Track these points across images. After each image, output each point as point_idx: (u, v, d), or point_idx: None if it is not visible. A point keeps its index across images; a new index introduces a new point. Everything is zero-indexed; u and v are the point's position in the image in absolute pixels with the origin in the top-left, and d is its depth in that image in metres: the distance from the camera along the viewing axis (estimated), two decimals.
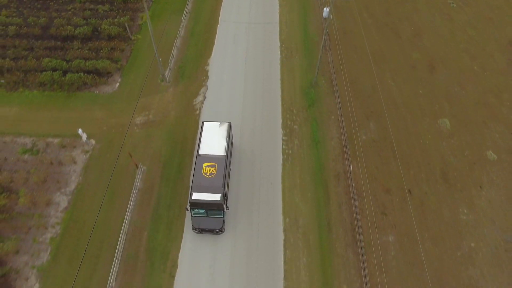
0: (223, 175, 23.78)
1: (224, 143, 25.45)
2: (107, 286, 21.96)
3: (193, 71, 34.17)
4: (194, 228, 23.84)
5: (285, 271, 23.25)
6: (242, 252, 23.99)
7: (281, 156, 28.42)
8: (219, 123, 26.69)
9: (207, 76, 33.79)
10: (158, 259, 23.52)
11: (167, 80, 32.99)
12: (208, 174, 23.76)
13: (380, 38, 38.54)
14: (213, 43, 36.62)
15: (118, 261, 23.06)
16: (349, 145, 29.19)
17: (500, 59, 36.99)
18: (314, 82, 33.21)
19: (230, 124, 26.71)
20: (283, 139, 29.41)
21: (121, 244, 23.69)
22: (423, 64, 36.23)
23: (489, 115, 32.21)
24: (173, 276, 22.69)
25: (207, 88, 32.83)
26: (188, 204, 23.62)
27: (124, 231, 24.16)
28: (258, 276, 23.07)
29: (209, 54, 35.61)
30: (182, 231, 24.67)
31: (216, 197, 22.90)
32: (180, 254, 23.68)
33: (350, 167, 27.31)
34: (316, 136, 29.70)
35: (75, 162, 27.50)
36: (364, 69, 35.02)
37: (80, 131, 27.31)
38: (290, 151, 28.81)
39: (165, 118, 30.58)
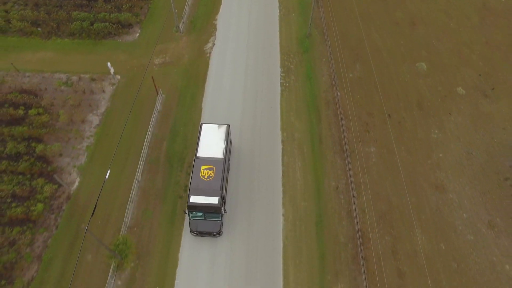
0: (221, 178, 23.61)
1: (222, 145, 25.23)
2: (135, 180, 26.39)
3: (203, 25, 38.74)
4: (191, 231, 23.76)
5: (283, 171, 27.70)
6: (246, 170, 28.41)
7: (279, 88, 32.88)
8: (217, 125, 26.42)
9: (215, 29, 38.33)
10: (176, 162, 27.96)
11: (181, 31, 37.57)
12: (206, 177, 23.58)
13: (367, 1, 43.03)
14: (220, 3, 41.12)
15: (143, 162, 27.52)
16: (337, 80, 33.64)
17: (474, 18, 41.40)
18: (308, 34, 37.69)
19: (228, 127, 26.53)
20: (281, 75, 33.89)
21: (145, 151, 28.09)
22: (406, 22, 40.70)
23: (461, 61, 36.59)
24: (189, 174, 27.16)
25: (215, 38, 37.35)
26: (186, 207, 23.66)
27: (147, 141, 28.58)
28: (261, 177, 27.48)
29: (217, 11, 40.16)
30: (196, 148, 29.15)
31: (214, 200, 22.76)
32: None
33: (338, 94, 31.76)
34: (310, 74, 34.15)
35: (104, 91, 31.98)
36: (352, 25, 39.48)
37: (108, 64, 31.82)
38: (287, 84, 33.29)
39: (179, 60, 35.11)
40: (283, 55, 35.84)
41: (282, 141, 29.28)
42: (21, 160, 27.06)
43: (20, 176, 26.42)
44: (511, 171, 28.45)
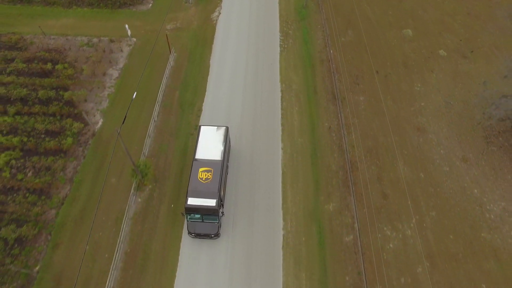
0: (219, 180, 23.58)
1: (220, 147, 25.21)
2: (151, 120, 29.79)
3: None
4: (189, 233, 23.76)
5: (282, 114, 31.11)
6: (250, 112, 31.79)
7: (279, 49, 36.37)
8: (216, 127, 26.51)
9: (221, 1, 41.95)
10: (187, 107, 31.41)
11: (189, 2, 41.19)
12: (204, 179, 23.55)
13: None
14: None
15: (158, 105, 30.94)
16: (331, 43, 37.09)
17: None
18: (305, 5, 41.26)
19: (227, 129, 26.61)
20: (280, 39, 37.38)
21: (160, 97, 31.50)
22: None
23: (444, 29, 40.05)
24: (199, 116, 30.56)
25: (221, 8, 40.93)
26: (184, 209, 23.53)
27: (161, 90, 32.00)
28: (262, 119, 30.86)
29: None
30: (205, 91, 32.62)
31: (212, 202, 22.73)
32: (203, 104, 31.74)
33: (331, 52, 35.25)
34: (306, 38, 37.64)
35: (122, 51, 35.44)
36: None
37: (126, 26, 35.34)
38: (285, 46, 36.78)
39: (189, 26, 38.64)
40: (282, 22, 39.35)
41: (281, 91, 32.73)
42: (51, 105, 30.51)
43: (51, 118, 29.83)
44: (484, 117, 31.83)
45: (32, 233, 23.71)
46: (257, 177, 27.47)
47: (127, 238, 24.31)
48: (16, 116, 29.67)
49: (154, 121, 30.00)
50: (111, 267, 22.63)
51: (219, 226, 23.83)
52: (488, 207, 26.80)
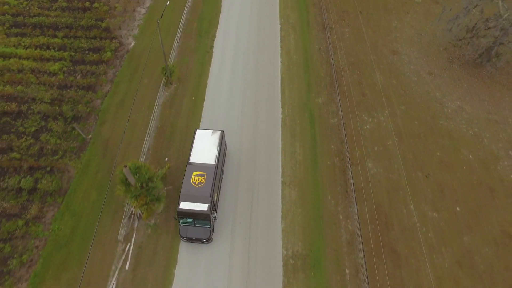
0: (212, 185, 23.22)
1: (215, 151, 24.94)
2: (174, 42, 35.97)
3: None
4: (181, 237, 23.41)
5: (280, 40, 37.33)
6: (253, 42, 37.92)
7: (278, 5, 42.54)
8: (211, 131, 26.15)
9: None
10: (204, 34, 37.62)
11: None
12: (197, 183, 23.24)
13: None
14: None
15: (180, 32, 37.16)
16: None
17: None
18: None
19: (222, 133, 26.27)
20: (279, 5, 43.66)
21: (181, 26, 37.72)
22: None
23: None
24: (213, 40, 36.79)
25: None
26: (176, 213, 23.36)
27: (182, 22, 38.24)
28: (265, 41, 36.98)
29: None
30: (218, 23, 38.83)
31: (204, 207, 22.41)
32: (217, 32, 37.97)
33: None
34: None
35: None
36: None
37: None
38: (284, 5, 43.13)
39: None
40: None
41: (280, 24, 38.91)
42: (92, 31, 36.72)
43: (93, 40, 36.02)
44: (449, 45, 37.92)
45: (85, 111, 29.80)
46: (261, 81, 33.52)
47: (157, 118, 30.36)
48: (64, 39, 35.90)
49: (177, 42, 36.21)
50: (146, 135, 28.63)
51: (211, 231, 23.43)
52: (446, 105, 32.79)
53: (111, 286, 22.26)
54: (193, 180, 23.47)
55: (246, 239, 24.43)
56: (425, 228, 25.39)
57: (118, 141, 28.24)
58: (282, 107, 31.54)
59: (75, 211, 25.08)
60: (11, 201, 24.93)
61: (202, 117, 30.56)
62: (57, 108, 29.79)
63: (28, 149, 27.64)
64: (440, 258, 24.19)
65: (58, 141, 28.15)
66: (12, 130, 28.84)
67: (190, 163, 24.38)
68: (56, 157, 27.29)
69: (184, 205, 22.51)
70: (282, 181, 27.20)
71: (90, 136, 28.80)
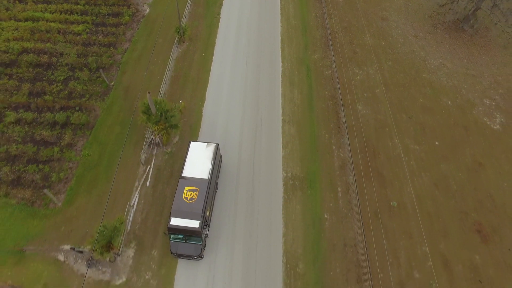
0: (204, 201, 22.52)
1: (209, 165, 24.13)
2: (185, 10, 39.52)
3: None
4: (172, 253, 22.70)
5: (280, 8, 40.87)
6: (255, 13, 41.48)
7: None
8: (206, 143, 25.38)
9: None
10: (212, 3, 41.12)
11: None
12: (188, 198, 22.55)
13: None
14: None
15: (190, 1, 40.73)
16: None
17: None
18: None
19: (217, 146, 25.39)
20: None
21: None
22: None
23: None
24: (220, 8, 40.37)
25: None
26: (166, 229, 22.67)
27: None
28: (266, 10, 40.53)
29: None
30: None
31: (195, 224, 21.80)
32: (223, 1, 41.56)
33: None
34: None
35: None
36: None
37: None
38: None
39: None
40: None
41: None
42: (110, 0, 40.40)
43: (111, 7, 39.56)
44: (434, 13, 41.43)
45: (108, 63, 33.31)
46: (263, 42, 36.94)
47: (172, 69, 33.84)
48: (86, 5, 39.45)
49: (188, 9, 39.77)
50: (162, 83, 32.07)
51: (203, 248, 22.70)
52: (429, 62, 36.25)
53: (134, 198, 25.66)
54: (185, 196, 22.73)
55: (250, 165, 27.85)
56: (408, 157, 28.78)
57: (138, 87, 31.71)
58: (282, 62, 35.03)
59: (102, 141, 28.52)
60: (48, 132, 28.38)
61: (211, 69, 34.06)
62: (83, 60, 33.27)
63: (59, 93, 31.09)
64: (420, 181, 27.57)
65: (85, 87, 31.60)
66: (44, 78, 32.30)
67: (183, 177, 23.54)
68: (84, 99, 30.74)
69: (175, 221, 21.87)
70: (282, 119, 30.64)
71: (112, 83, 32.28)
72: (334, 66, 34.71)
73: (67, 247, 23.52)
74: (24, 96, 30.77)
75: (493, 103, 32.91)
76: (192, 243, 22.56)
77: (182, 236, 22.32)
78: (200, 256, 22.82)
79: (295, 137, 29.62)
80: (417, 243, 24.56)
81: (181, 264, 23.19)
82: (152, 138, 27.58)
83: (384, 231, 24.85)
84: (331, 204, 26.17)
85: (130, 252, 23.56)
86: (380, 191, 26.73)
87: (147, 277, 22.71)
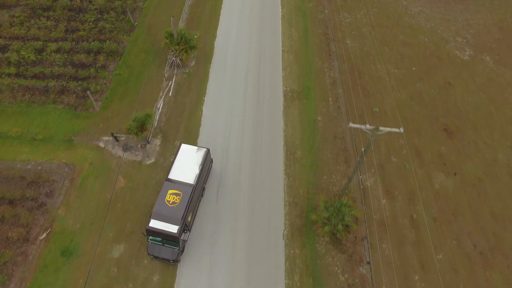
0: (186, 206, 22.04)
1: (196, 171, 23.56)
2: None
3: None
4: (148, 254, 22.41)
5: None
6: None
7: None
8: (196, 147, 24.92)
9: None
10: None
11: None
12: (171, 202, 22.10)
13: None
14: None
15: None
16: None
17: None
18: None
19: (207, 151, 24.94)
20: None
21: None
22: None
23: None
24: None
25: None
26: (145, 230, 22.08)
27: None
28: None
29: None
30: None
31: (173, 229, 21.37)
32: None
33: None
34: None
35: None
36: None
37: None
38: None
39: None
40: None
41: None
42: None
43: None
44: None
45: (132, 7, 38.33)
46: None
47: (187, 13, 38.78)
48: None
49: None
50: (179, 22, 36.97)
51: (180, 253, 22.23)
52: (410, 9, 41.13)
53: (160, 103, 30.55)
54: (167, 199, 22.29)
55: (256, 82, 32.76)
56: (388, 78, 33.66)
57: (159, 26, 36.59)
58: (281, 8, 39.96)
59: (130, 64, 33.44)
60: (84, 57, 33.32)
61: (221, 13, 39.01)
62: (110, 4, 38.30)
63: (91, 31, 35.99)
64: (399, 95, 32.44)
65: (113, 26, 36.52)
66: (77, 19, 37.26)
67: (169, 179, 23.18)
68: (113, 34, 35.69)
69: (154, 224, 21.56)
70: (282, 50, 35.55)
71: (136, 23, 37.23)
72: (327, 11, 39.67)
73: (106, 138, 28.43)
74: (61, 32, 35.71)
75: (464, 40, 37.84)
76: (170, 247, 22.11)
77: (160, 239, 21.93)
78: (177, 261, 22.29)
79: (293, 62, 34.56)
80: (395, 138, 29.41)
81: None
82: (173, 60, 32.51)
83: None
84: (323, 110, 31.08)
85: (157, 142, 28.48)
86: (365, 100, 31.59)
87: (171, 159, 27.57)
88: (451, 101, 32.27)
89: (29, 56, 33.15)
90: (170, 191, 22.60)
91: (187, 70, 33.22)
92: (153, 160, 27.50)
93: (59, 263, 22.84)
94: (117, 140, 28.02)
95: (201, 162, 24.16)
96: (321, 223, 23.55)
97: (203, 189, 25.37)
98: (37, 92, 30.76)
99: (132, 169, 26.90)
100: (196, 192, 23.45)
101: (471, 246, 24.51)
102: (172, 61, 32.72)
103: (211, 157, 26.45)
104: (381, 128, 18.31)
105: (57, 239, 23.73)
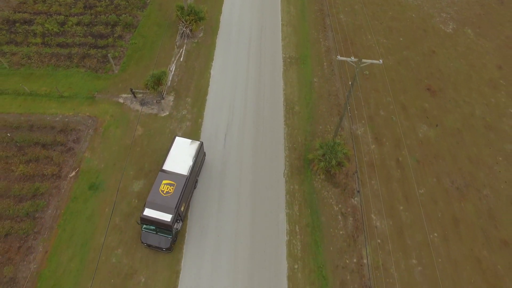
0: (179, 196, 22.74)
1: (190, 162, 24.30)
2: None
3: None
4: (142, 242, 23.00)
5: None
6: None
7: None
8: (190, 140, 25.52)
9: None
10: None
11: None
12: (165, 192, 22.80)
13: None
14: None
15: None
16: None
17: None
18: None
19: (201, 144, 25.62)
20: None
21: None
22: None
23: None
24: None
25: None
26: (139, 219, 22.71)
27: None
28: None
29: None
30: None
31: (167, 217, 21.99)
32: None
33: None
34: None
35: None
36: None
37: None
38: None
39: None
40: None
41: None
42: None
43: None
44: None
45: None
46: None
47: None
48: None
49: None
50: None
51: (173, 241, 22.98)
52: None
53: (172, 66, 33.84)
54: (161, 189, 23.00)
55: (258, 49, 36.09)
56: (378, 47, 37.03)
57: (169, 4, 39.99)
58: None
59: (144, 35, 36.77)
60: (102, 28, 36.67)
61: None
62: None
63: (107, 7, 39.40)
64: (387, 60, 35.73)
65: (127, 3, 39.93)
66: None
67: (163, 170, 23.87)
68: (127, 9, 39.09)
69: (148, 212, 22.19)
70: (281, 23, 38.97)
71: (149, 0, 40.70)
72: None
73: (124, 95, 31.70)
74: (80, 8, 39.07)
75: (448, 16, 41.27)
76: (163, 236, 22.77)
77: (153, 228, 22.57)
78: (169, 249, 22.93)
79: (291, 34, 37.94)
80: (383, 95, 32.71)
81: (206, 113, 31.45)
82: (183, 30, 35.88)
83: (359, 87, 33.00)
84: (319, 73, 34.41)
85: (171, 98, 31.75)
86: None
87: (183, 112, 30.85)
88: (434, 66, 35.60)
89: (52, 28, 36.48)
90: (164, 181, 23.32)
91: (196, 40, 36.59)
92: (167, 113, 30.74)
93: (87, 196, 26.00)
94: (135, 96, 31.27)
95: (195, 154, 24.88)
96: (317, 160, 26.75)
97: (196, 181, 26.07)
98: (61, 58, 34.07)
99: (149, 120, 30.14)
100: (190, 183, 24.11)
101: (449, 183, 27.70)
102: (183, 32, 36.08)
103: (204, 151, 27.11)
104: (363, 60, 21.48)
105: (84, 176, 26.91)
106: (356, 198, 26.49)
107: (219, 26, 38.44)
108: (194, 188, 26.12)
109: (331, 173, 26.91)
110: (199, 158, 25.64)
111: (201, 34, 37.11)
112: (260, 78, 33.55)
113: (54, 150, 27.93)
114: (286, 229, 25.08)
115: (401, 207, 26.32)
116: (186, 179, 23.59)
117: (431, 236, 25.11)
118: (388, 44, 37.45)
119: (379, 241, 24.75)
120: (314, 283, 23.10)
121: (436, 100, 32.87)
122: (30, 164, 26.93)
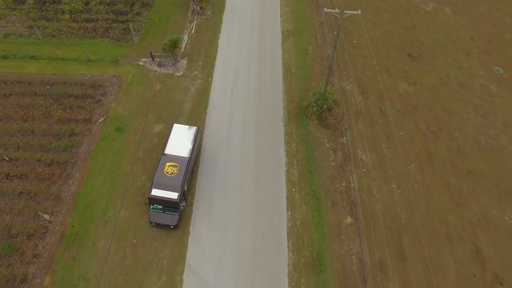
0: (183, 176, 24.18)
1: (189, 146, 25.92)
2: None
3: None
4: (150, 222, 24.19)
5: None
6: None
7: None
8: (187, 126, 27.24)
9: None
10: None
11: None
12: (169, 173, 24.12)
13: None
14: None
15: None
16: None
17: None
18: None
19: (198, 129, 27.14)
20: None
21: None
22: None
23: None
24: None
25: None
26: (147, 199, 24.02)
27: None
28: None
29: None
30: None
31: (174, 195, 23.36)
32: None
33: None
34: None
35: None
36: None
37: None
38: None
39: None
40: None
41: None
42: None
43: None
44: None
45: None
46: None
47: None
48: None
49: None
50: None
51: (179, 219, 24.38)
52: None
53: (185, 36, 38.69)
54: (166, 170, 24.40)
55: (259, 25, 40.99)
56: (365, 22, 41.89)
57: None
58: None
59: (159, 12, 41.76)
60: (122, 7, 41.66)
61: None
62: None
63: None
64: (372, 33, 40.55)
65: None
66: None
67: (165, 154, 25.44)
68: None
69: (155, 192, 23.52)
70: (280, 4, 43.99)
71: None
72: None
73: (144, 59, 36.44)
74: None
75: None
76: (170, 214, 24.10)
77: (161, 207, 23.89)
78: (176, 227, 24.31)
79: (289, 12, 42.93)
80: (369, 60, 37.43)
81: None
82: (194, 8, 40.87)
83: (347, 53, 37.75)
84: (312, 42, 39.24)
85: (184, 61, 36.49)
86: (345, 36, 39.74)
87: (195, 73, 35.52)
88: (415, 37, 40.43)
89: (78, 7, 41.51)
90: (168, 164, 24.88)
91: (205, 17, 41.56)
92: (181, 73, 35.43)
93: (115, 136, 30.47)
94: (153, 59, 36.00)
95: (193, 138, 26.68)
96: (311, 106, 31.29)
97: (194, 164, 27.60)
98: (88, 30, 38.97)
99: (166, 78, 34.81)
100: (191, 165, 25.73)
101: (425, 127, 32.16)
102: (193, 9, 41.06)
103: (200, 136, 28.79)
104: (345, 11, 26.23)
105: (111, 121, 31.42)
106: (344, 138, 30.92)
107: (225, 5, 43.43)
108: (194, 170, 27.84)
109: (323, 117, 31.40)
110: (197, 142, 27.38)
111: (209, 12, 42.11)
112: (262, 47, 38.37)
113: (85, 101, 32.50)
114: (285, 161, 29.46)
115: (383, 145, 30.72)
116: (188, 160, 25.34)
117: (409, 167, 29.45)
118: (374, 20, 42.38)
119: (364, 170, 29.09)
120: (309, 202, 27.35)
121: (416, 64, 37.57)
122: (66, 111, 31.48)
